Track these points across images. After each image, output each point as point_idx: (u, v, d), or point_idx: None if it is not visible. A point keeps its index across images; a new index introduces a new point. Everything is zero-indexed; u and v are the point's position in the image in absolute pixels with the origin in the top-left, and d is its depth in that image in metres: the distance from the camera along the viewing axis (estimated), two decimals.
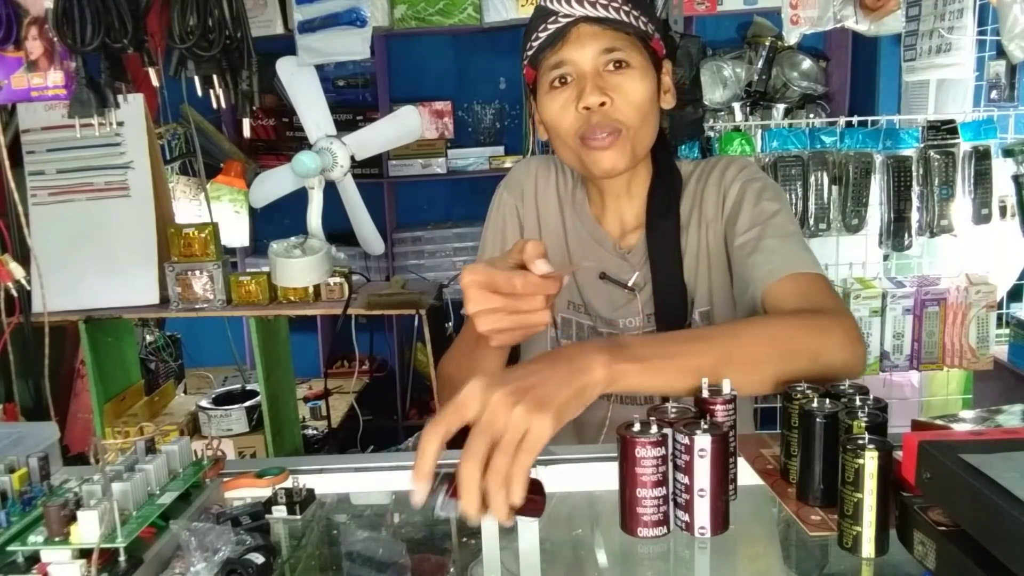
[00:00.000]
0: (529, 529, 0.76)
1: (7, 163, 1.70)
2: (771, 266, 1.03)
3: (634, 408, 1.17)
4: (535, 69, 1.10)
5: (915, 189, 2.11)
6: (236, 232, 3.05)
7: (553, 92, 1.08)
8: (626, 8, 1.05)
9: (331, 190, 2.00)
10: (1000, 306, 2.19)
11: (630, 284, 1.16)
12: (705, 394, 0.81)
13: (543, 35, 1.07)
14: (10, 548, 0.70)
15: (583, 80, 1.05)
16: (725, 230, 1.14)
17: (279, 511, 0.84)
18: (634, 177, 1.16)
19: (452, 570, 0.83)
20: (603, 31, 1.04)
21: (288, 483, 0.87)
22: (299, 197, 2.00)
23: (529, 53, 1.09)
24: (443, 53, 3.52)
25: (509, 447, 0.66)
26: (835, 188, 2.11)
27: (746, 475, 0.84)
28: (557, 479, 0.89)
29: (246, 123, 1.74)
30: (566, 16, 1.05)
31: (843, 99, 3.24)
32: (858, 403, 0.76)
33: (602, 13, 1.04)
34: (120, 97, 1.59)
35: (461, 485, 0.66)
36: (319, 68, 2.03)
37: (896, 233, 2.13)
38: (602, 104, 1.04)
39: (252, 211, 3.00)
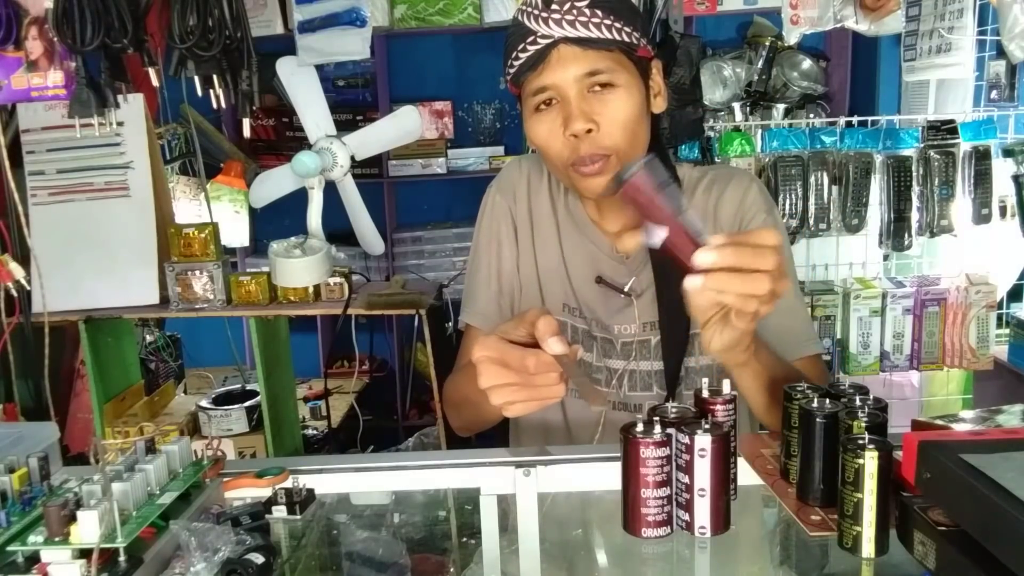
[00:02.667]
0: (529, 530, 0.77)
1: (7, 163, 1.70)
2: (798, 338, 1.11)
3: (626, 415, 1.16)
4: (518, 87, 1.07)
5: (915, 189, 2.11)
6: (236, 232, 3.05)
7: (538, 115, 1.05)
8: (607, 22, 1.00)
9: (331, 190, 2.00)
10: (1000, 306, 2.19)
11: (626, 289, 1.14)
12: (705, 394, 0.81)
13: (523, 56, 1.02)
14: (10, 548, 0.70)
15: (568, 104, 1.02)
16: None
17: (279, 511, 0.84)
18: None
19: (452, 570, 0.83)
20: (585, 52, 1.00)
21: (288, 483, 0.87)
22: (299, 197, 2.00)
23: (511, 72, 1.05)
24: (443, 53, 3.52)
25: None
26: (835, 188, 2.10)
27: (746, 475, 0.84)
28: (557, 479, 0.89)
29: (246, 123, 1.74)
30: (545, 37, 1.00)
31: (843, 99, 3.23)
32: (858, 403, 0.76)
33: (583, 33, 0.99)
34: (120, 97, 1.59)
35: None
36: (319, 68, 2.03)
37: (896, 233, 2.13)
38: (589, 130, 1.01)
39: (252, 211, 3.00)
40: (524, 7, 1.03)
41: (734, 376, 0.93)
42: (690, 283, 0.75)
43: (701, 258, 0.74)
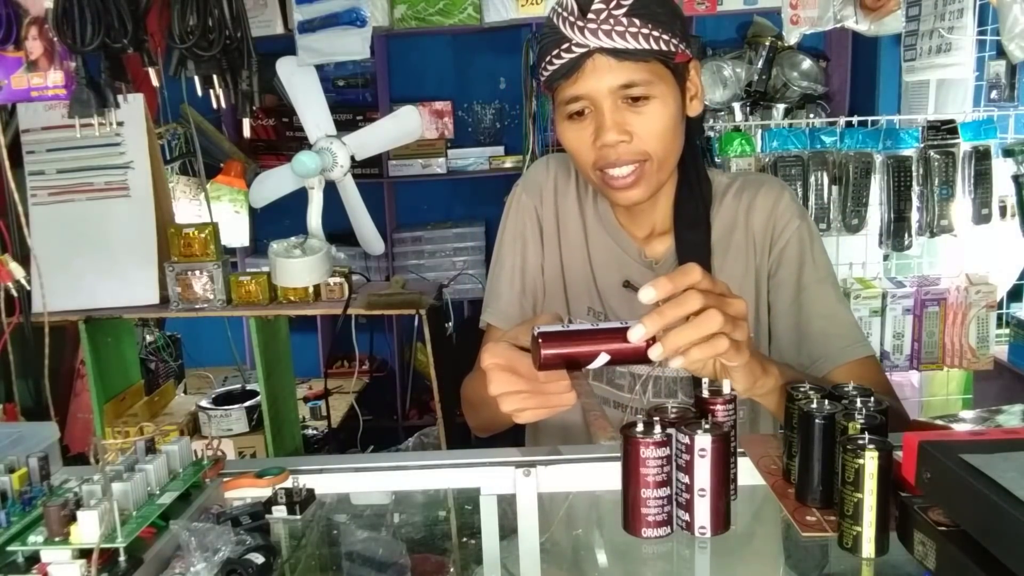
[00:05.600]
0: (529, 530, 0.76)
1: (7, 163, 1.70)
2: (843, 342, 1.09)
3: (621, 414, 1.15)
4: (551, 91, 1.05)
5: (915, 189, 2.11)
6: (236, 232, 3.05)
7: (570, 123, 1.04)
8: (645, 31, 0.96)
9: (331, 190, 2.00)
10: (1000, 306, 2.19)
11: None
12: (705, 394, 0.81)
13: (557, 62, 1.00)
14: (10, 548, 0.70)
15: (601, 115, 1.00)
16: (771, 265, 1.12)
17: (279, 511, 0.84)
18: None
19: (452, 570, 0.83)
20: (620, 63, 0.97)
21: (288, 483, 0.87)
22: (299, 197, 2.00)
23: (544, 75, 1.04)
24: (443, 53, 3.52)
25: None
26: (835, 188, 2.11)
27: (747, 475, 0.84)
28: (557, 479, 0.89)
29: (246, 123, 1.74)
30: (580, 46, 0.97)
31: (843, 99, 3.24)
32: (858, 404, 0.75)
33: (618, 43, 0.96)
34: (120, 97, 1.59)
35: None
36: (319, 68, 2.03)
37: (896, 233, 2.13)
38: (621, 141, 1.00)
39: (252, 211, 3.00)
40: (559, 10, 1.00)
41: (765, 404, 0.91)
42: (655, 356, 0.75)
43: (635, 335, 0.74)
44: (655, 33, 0.97)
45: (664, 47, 0.98)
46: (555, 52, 1.00)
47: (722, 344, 0.75)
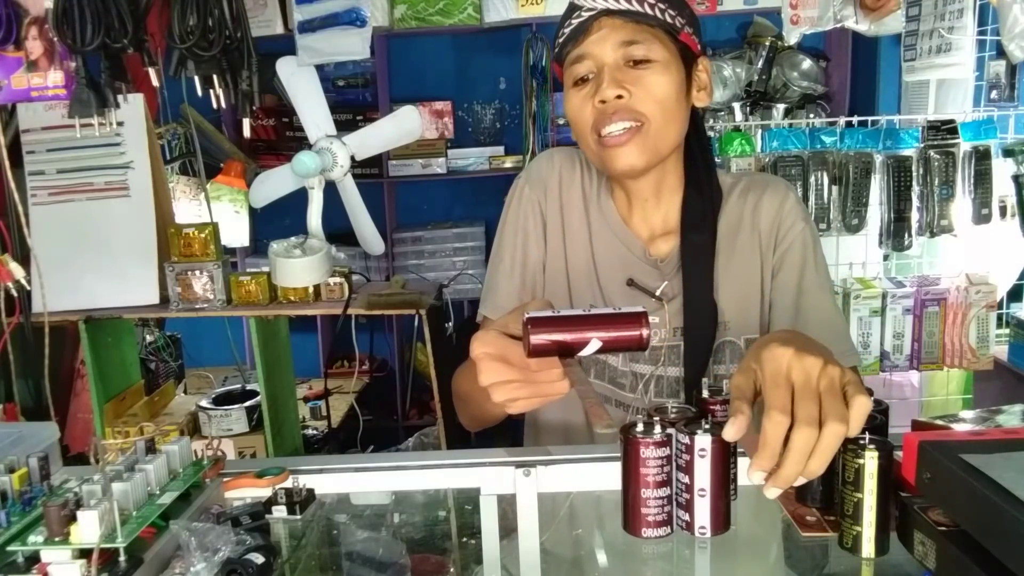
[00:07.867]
0: (529, 530, 0.76)
1: (7, 163, 1.70)
2: (835, 350, 1.07)
3: (623, 413, 1.16)
4: (561, 65, 1.10)
5: (915, 189, 2.11)
6: (236, 232, 3.05)
7: (574, 89, 1.08)
8: (651, 1, 1.04)
9: (331, 190, 2.00)
10: (1000, 306, 2.19)
11: (658, 294, 1.11)
12: (705, 394, 0.81)
13: (567, 30, 1.07)
14: (10, 548, 0.70)
15: (601, 74, 1.04)
16: (775, 264, 1.13)
17: (279, 511, 0.84)
18: (663, 181, 1.12)
19: (452, 570, 0.83)
20: (624, 24, 1.04)
21: (288, 483, 0.87)
22: (299, 197, 2.00)
23: (556, 47, 1.10)
24: (443, 53, 3.52)
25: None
26: (835, 188, 2.11)
27: (746, 475, 0.84)
28: (557, 479, 0.89)
29: (246, 123, 1.74)
30: (589, 10, 1.04)
31: (843, 99, 3.24)
32: None
33: (624, 6, 1.03)
34: (120, 97, 1.59)
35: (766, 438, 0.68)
36: (319, 68, 2.03)
37: (896, 233, 2.13)
38: (619, 97, 1.03)
39: (252, 211, 3.00)
40: None
41: None
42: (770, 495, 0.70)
43: (755, 477, 0.69)
44: (661, 5, 1.04)
45: (669, 19, 1.05)
46: (567, 22, 1.07)
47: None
